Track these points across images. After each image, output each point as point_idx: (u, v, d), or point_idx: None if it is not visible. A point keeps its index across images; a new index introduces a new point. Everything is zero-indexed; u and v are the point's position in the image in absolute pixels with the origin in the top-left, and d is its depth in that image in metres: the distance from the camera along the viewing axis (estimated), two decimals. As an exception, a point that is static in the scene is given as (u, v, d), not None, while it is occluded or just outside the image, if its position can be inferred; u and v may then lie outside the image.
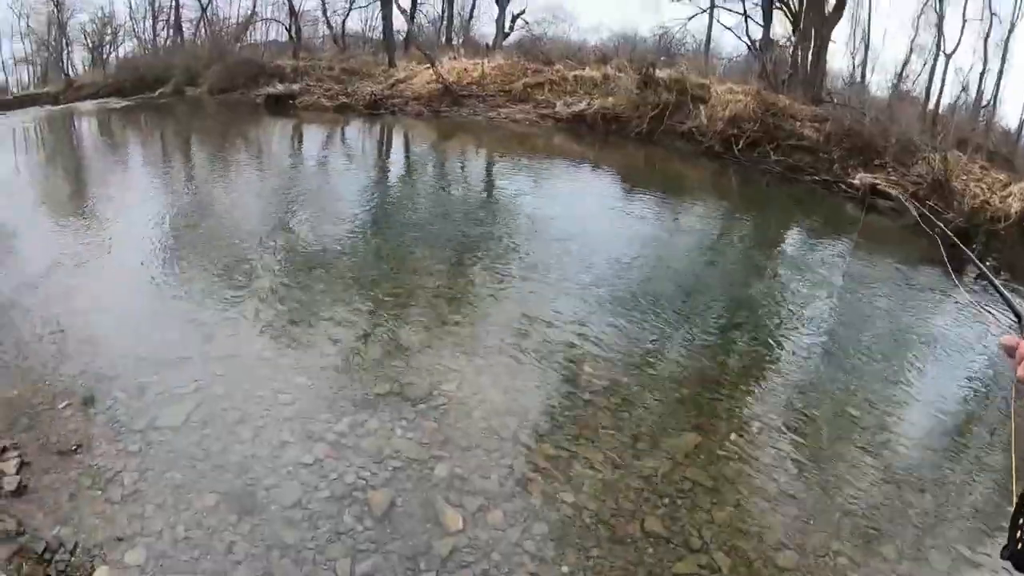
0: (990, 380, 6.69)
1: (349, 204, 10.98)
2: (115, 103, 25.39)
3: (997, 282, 1.36)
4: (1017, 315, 1.06)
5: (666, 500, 4.37)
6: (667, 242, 10.56)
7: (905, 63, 26.40)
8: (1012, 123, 24.42)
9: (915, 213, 12.31)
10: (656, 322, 7.08)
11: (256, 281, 7.30)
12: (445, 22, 30.58)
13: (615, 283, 8.01)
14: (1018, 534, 0.89)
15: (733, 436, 5.17)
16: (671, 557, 3.94)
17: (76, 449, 4.48)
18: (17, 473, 4.27)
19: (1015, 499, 0.99)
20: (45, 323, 6.16)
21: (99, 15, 34.28)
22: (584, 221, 10.53)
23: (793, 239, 12.61)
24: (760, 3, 25.23)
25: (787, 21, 24.14)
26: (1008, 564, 1.01)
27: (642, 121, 18.38)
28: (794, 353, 6.83)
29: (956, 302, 8.72)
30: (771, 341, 7.13)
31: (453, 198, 12.33)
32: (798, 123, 18.04)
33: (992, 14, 23.12)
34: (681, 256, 9.78)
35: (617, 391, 5.60)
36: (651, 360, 6.28)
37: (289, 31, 28.87)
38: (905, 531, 4.36)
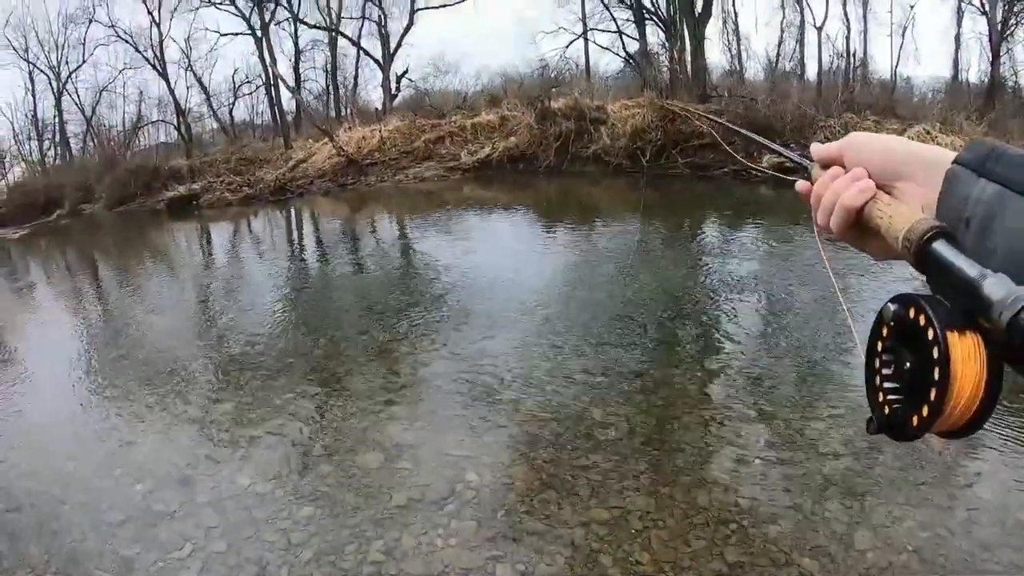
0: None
1: (274, 298, 10.52)
2: (11, 232, 24.45)
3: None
4: (800, 165, 0.99)
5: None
6: (590, 266, 10.48)
7: (780, 43, 27.47)
8: (885, 74, 25.78)
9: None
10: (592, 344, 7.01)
11: (214, 405, 6.62)
12: (331, 95, 30.45)
13: (546, 315, 7.98)
14: (880, 397, 0.80)
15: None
16: None
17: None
18: None
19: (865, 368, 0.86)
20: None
21: (-20, 143, 33.23)
22: (505, 264, 10.42)
23: (712, 232, 12.89)
24: (632, 18, 25.85)
25: (659, 29, 24.76)
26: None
27: (547, 154, 18.51)
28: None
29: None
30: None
31: (374, 270, 12.05)
32: (696, 122, 18.35)
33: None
34: (605, 277, 9.70)
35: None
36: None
37: (179, 130, 28.36)
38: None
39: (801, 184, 1.01)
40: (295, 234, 17.57)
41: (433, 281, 10.01)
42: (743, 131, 1.47)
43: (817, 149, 1.00)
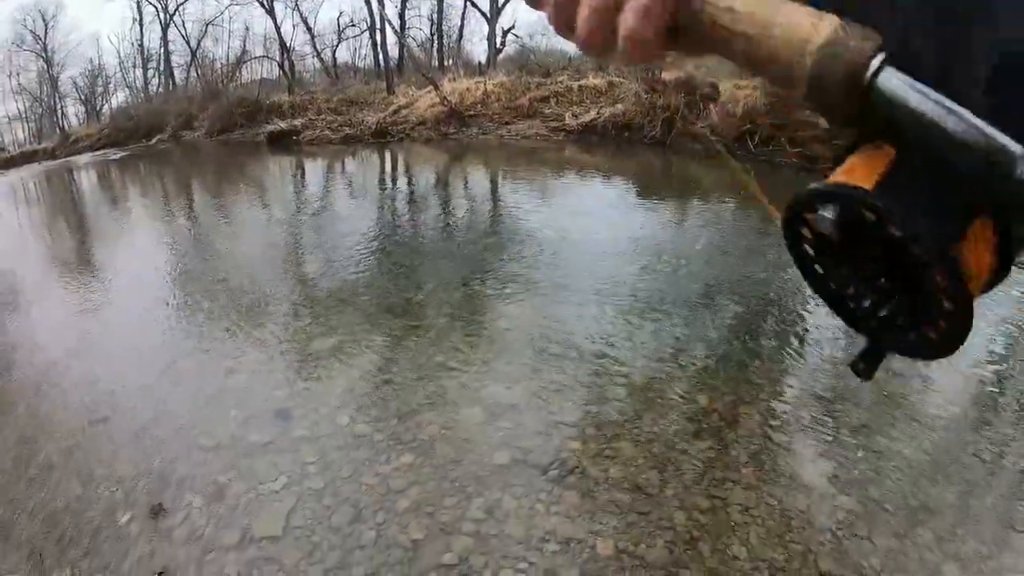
0: None
1: (370, 238, 10.59)
2: (113, 154, 25.22)
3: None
4: None
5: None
6: (693, 244, 10.11)
7: None
8: None
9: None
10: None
11: (314, 340, 6.76)
12: (435, 44, 30.32)
13: (650, 290, 7.76)
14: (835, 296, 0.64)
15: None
16: None
17: (159, 578, 3.73)
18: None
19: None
20: (83, 409, 5.72)
21: (89, 68, 34.24)
22: (606, 232, 10.20)
23: None
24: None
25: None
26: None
27: (653, 125, 18.05)
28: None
29: None
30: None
31: (470, 222, 11.95)
32: (811, 113, 17.63)
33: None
34: (710, 259, 9.30)
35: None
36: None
37: (282, 67, 28.74)
38: None
39: None
40: (394, 177, 17.61)
41: (531, 241, 9.89)
42: None
43: None
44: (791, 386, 5.87)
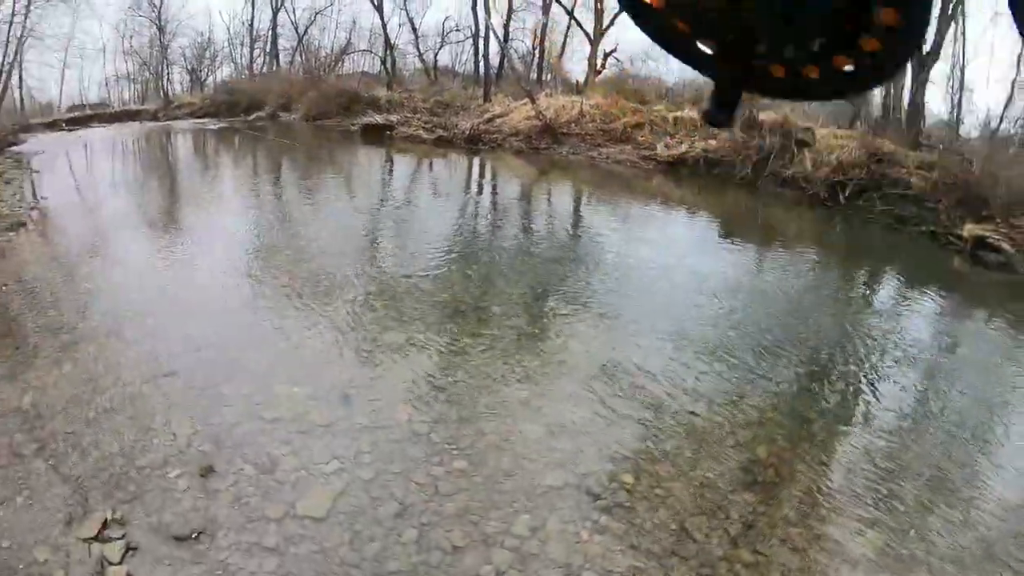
0: None
1: (453, 242, 10.79)
2: (212, 124, 26.05)
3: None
4: None
5: None
6: (770, 292, 9.92)
7: (1007, 104, 25.29)
8: None
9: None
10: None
11: (385, 332, 6.90)
12: (536, 59, 30.43)
13: (720, 334, 7.67)
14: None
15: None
16: None
17: (196, 536, 3.84)
18: (122, 562, 3.62)
19: None
20: (151, 360, 5.88)
21: (198, 40, 35.44)
22: (676, 268, 10.07)
23: (897, 291, 11.98)
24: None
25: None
26: None
27: (745, 165, 17.76)
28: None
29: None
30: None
31: (551, 238, 11.99)
32: (904, 170, 17.18)
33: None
34: (785, 309, 9.15)
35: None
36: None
37: (384, 63, 29.23)
38: None
39: None
40: (480, 184, 17.78)
41: (609, 267, 9.87)
42: None
43: None
44: (851, 449, 5.66)
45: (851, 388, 7.11)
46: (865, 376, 7.42)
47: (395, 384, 5.74)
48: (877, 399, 6.88)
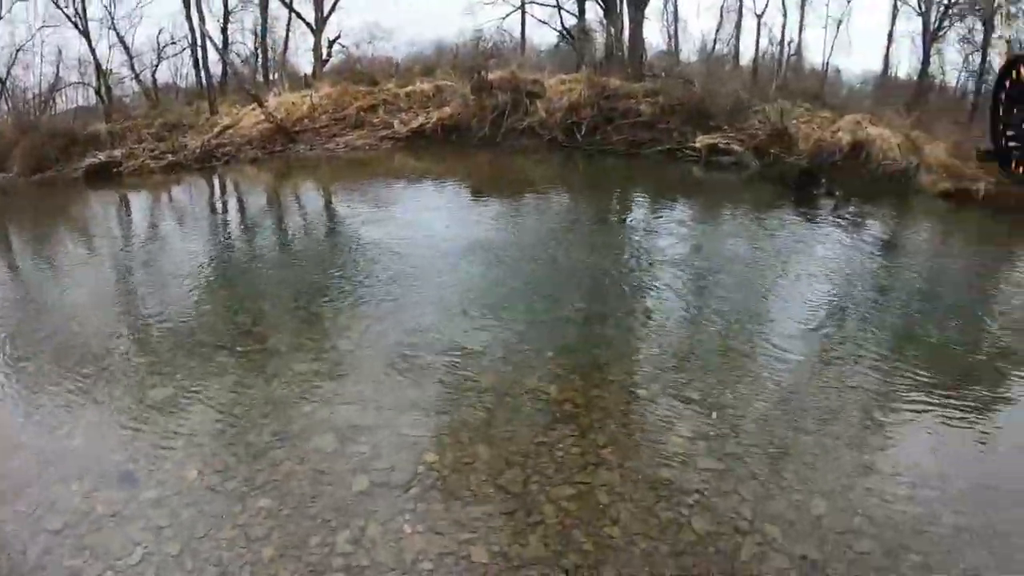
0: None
1: (203, 273, 9.74)
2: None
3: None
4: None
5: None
6: (524, 240, 10.33)
7: (718, 28, 27.95)
8: (817, 64, 26.94)
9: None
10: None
11: (150, 391, 6.03)
12: (260, 59, 29.46)
13: (482, 290, 7.94)
14: (1001, 129, 0.88)
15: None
16: None
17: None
18: None
19: None
20: None
21: None
22: (439, 237, 10.19)
23: (646, 207, 13.19)
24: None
25: (598, 5, 24.86)
26: None
27: (482, 125, 18.22)
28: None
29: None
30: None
31: (304, 243, 11.56)
32: (633, 101, 18.42)
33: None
34: (541, 252, 9.56)
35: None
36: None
37: (98, 92, 26.97)
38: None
39: None
40: (221, 204, 16.80)
41: (365, 255, 9.68)
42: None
43: None
44: (638, 361, 6.05)
45: (623, 304, 7.58)
46: (630, 287, 8.05)
47: (173, 444, 5.27)
48: (648, 305, 7.49)
